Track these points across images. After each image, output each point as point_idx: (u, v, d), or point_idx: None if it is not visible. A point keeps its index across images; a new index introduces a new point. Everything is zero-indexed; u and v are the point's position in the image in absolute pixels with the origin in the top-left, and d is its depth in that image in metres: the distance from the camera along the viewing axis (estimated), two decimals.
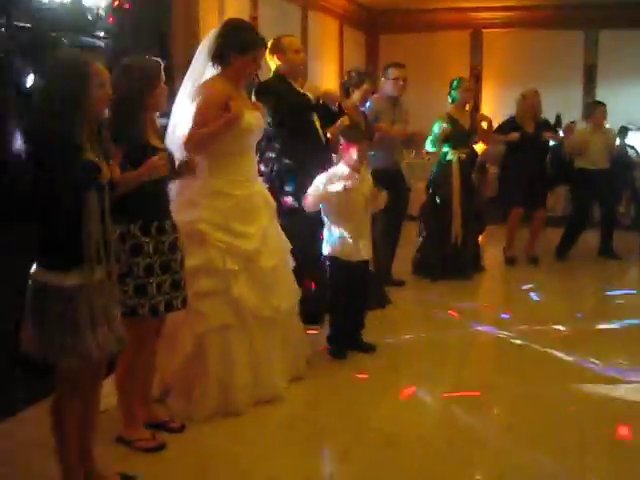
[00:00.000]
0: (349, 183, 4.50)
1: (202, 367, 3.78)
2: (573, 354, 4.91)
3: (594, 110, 8.30)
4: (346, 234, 4.66)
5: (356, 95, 5.84)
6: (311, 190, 4.57)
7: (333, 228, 4.69)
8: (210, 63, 3.93)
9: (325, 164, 4.98)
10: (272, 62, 5.16)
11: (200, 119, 3.78)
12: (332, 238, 4.70)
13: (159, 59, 3.43)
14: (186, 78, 4.00)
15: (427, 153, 8.26)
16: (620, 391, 4.29)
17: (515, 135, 7.42)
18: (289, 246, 4.22)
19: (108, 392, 3.49)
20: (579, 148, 7.99)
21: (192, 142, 3.77)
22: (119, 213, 3.02)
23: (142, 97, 3.28)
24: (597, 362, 4.75)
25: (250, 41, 3.93)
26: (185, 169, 3.53)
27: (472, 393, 4.26)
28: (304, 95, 5.09)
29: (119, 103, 3.08)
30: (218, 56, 3.90)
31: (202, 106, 3.80)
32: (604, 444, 3.64)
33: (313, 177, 4.64)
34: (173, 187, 3.79)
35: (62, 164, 2.65)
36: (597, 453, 3.55)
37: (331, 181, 4.55)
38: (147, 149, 3.27)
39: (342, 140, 4.71)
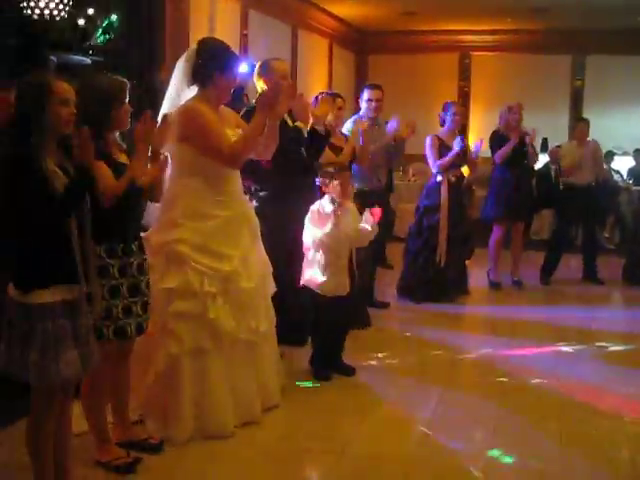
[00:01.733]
0: (335, 219, 4.52)
1: (176, 390, 3.74)
2: (555, 378, 4.93)
3: (576, 126, 8.50)
4: (327, 270, 4.63)
5: (330, 117, 5.83)
6: (309, 228, 4.60)
7: (314, 260, 4.67)
8: (188, 83, 3.91)
9: (308, 189, 5.00)
10: (259, 85, 5.14)
11: (216, 136, 3.77)
12: (311, 270, 4.68)
13: (124, 78, 3.40)
14: (165, 99, 3.98)
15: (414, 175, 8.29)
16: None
17: (514, 141, 7.43)
18: (270, 269, 4.19)
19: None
20: (573, 164, 8.05)
21: (238, 150, 3.79)
22: None
23: (102, 119, 3.25)
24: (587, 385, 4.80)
25: (231, 59, 3.93)
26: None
27: (454, 416, 4.25)
28: (296, 127, 5.05)
29: (83, 121, 3.07)
30: (200, 75, 3.88)
31: (204, 127, 3.78)
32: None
33: (300, 204, 4.65)
34: (158, 207, 3.79)
35: (30, 192, 2.69)
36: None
37: (321, 218, 4.57)
38: (114, 165, 3.25)
39: (324, 177, 4.72)
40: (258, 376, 4.04)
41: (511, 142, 7.44)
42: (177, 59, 4.03)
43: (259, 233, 4.14)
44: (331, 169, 4.74)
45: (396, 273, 7.17)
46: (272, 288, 4.21)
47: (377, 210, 4.79)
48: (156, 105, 3.99)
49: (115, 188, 3.16)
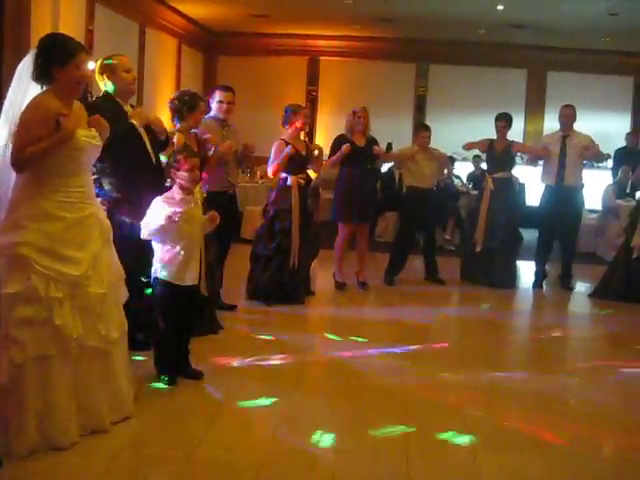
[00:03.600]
0: (180, 210, 4.47)
1: (19, 399, 3.59)
2: (399, 377, 5.10)
3: (417, 133, 8.93)
4: (176, 258, 4.60)
5: (191, 119, 5.80)
6: (146, 219, 4.51)
7: (164, 251, 4.63)
8: (34, 83, 3.78)
9: (158, 188, 4.92)
10: (102, 82, 5.06)
11: (26, 135, 3.62)
12: (163, 261, 4.64)
13: None
14: (6, 101, 3.82)
15: (261, 177, 8.32)
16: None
17: (347, 146, 7.56)
18: (122, 274, 4.08)
19: None
20: (402, 160, 8.46)
21: (21, 159, 3.62)
22: None
23: None
24: (425, 380, 4.98)
25: (68, 50, 3.78)
26: None
27: (302, 418, 4.33)
28: (130, 124, 4.99)
29: None
30: (41, 74, 3.76)
31: (27, 122, 3.65)
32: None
33: (143, 201, 4.57)
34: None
35: None
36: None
37: (164, 208, 4.50)
38: None
39: (173, 163, 4.67)
40: (109, 384, 3.92)
41: (343, 150, 7.55)
42: (18, 58, 3.88)
43: (111, 237, 4.03)
44: (180, 156, 4.69)
45: (242, 275, 7.18)
46: (124, 294, 4.11)
47: (216, 216, 4.79)
48: None
49: None
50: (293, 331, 6.22)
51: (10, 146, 3.70)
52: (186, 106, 5.78)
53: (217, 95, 6.58)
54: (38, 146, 3.62)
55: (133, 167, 4.92)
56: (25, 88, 3.79)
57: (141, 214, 4.57)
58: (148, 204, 4.57)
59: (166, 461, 3.68)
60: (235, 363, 5.26)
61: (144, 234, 4.57)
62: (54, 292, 3.64)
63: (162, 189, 4.89)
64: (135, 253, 4.65)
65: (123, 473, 3.59)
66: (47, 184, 3.71)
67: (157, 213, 4.51)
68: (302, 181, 7.07)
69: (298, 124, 7.06)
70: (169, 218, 4.45)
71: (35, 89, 3.78)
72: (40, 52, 3.79)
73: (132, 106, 5.23)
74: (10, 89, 3.83)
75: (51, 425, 3.66)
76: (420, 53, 13.52)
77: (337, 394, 4.80)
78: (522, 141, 12.16)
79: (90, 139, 3.85)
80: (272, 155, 7.02)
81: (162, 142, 5.28)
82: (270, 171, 7.04)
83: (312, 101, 13.64)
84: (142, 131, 5.07)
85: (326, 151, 7.79)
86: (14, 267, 3.60)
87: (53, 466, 3.53)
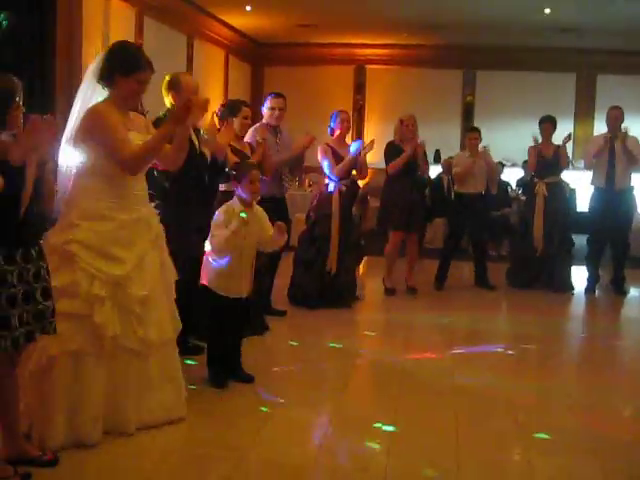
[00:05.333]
0: (242, 217, 4.50)
1: (49, 391, 3.63)
2: (451, 379, 5.06)
3: (467, 136, 8.84)
4: (228, 271, 4.62)
5: (235, 124, 5.87)
6: (215, 232, 4.56)
7: (215, 261, 4.66)
8: (99, 85, 3.88)
9: (204, 206, 5.06)
10: (167, 99, 5.11)
11: (117, 135, 3.74)
12: (213, 270, 4.67)
13: (16, 78, 3.33)
14: (74, 104, 3.94)
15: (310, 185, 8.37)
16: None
17: (408, 153, 7.58)
18: (173, 276, 4.11)
19: None
20: (464, 173, 8.33)
21: (138, 156, 3.77)
22: None
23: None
24: (478, 385, 4.93)
25: (135, 63, 3.86)
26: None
27: (352, 420, 4.31)
28: (200, 152, 5.06)
29: None
30: (104, 77, 3.86)
31: (107, 124, 3.75)
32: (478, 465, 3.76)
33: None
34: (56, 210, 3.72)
35: None
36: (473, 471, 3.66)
37: (227, 220, 4.54)
38: (3, 166, 3.12)
39: (236, 179, 4.72)
40: (142, 388, 3.90)
41: (404, 155, 7.61)
42: (69, 65, 3.98)
43: (163, 241, 4.06)
44: (242, 168, 4.74)
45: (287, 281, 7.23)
46: (172, 294, 4.12)
47: (283, 226, 4.80)
48: (47, 109, 3.92)
49: None
50: (341, 335, 6.20)
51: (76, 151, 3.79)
52: (228, 110, 5.87)
53: (268, 102, 6.65)
54: (148, 144, 3.80)
55: (185, 185, 4.98)
56: (92, 87, 3.89)
57: (186, 220, 4.61)
58: (192, 220, 4.63)
59: (217, 462, 3.70)
60: (284, 367, 5.28)
61: (213, 250, 4.59)
62: (96, 290, 3.69)
63: (209, 208, 4.97)
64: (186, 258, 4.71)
65: (174, 473, 3.62)
66: (101, 186, 3.79)
67: (221, 227, 4.56)
68: (344, 187, 7.10)
69: (338, 129, 7.12)
70: (234, 233, 4.50)
71: (100, 94, 3.88)
72: (109, 55, 3.89)
73: (196, 130, 5.19)
74: (79, 90, 3.93)
75: (80, 422, 3.68)
76: (466, 59, 13.46)
77: (387, 397, 4.78)
78: (572, 146, 11.98)
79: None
80: (322, 159, 7.07)
81: (220, 165, 5.35)
82: (334, 171, 7.06)
83: (359, 110, 13.66)
84: (205, 151, 5.16)
85: (376, 159, 7.80)
86: (63, 263, 3.67)
87: (103, 465, 3.58)
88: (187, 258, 4.70)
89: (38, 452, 3.51)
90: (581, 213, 9.36)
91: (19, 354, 3.38)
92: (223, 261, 4.60)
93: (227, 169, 5.41)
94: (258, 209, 4.83)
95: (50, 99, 6.53)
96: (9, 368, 3.36)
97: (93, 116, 3.78)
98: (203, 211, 5.01)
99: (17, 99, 3.26)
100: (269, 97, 6.73)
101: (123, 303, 3.78)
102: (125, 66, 3.83)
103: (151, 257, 3.95)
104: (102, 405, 3.74)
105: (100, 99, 3.88)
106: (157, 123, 4.43)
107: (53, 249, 3.58)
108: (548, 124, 8.40)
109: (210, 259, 4.66)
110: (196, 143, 5.04)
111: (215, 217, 4.64)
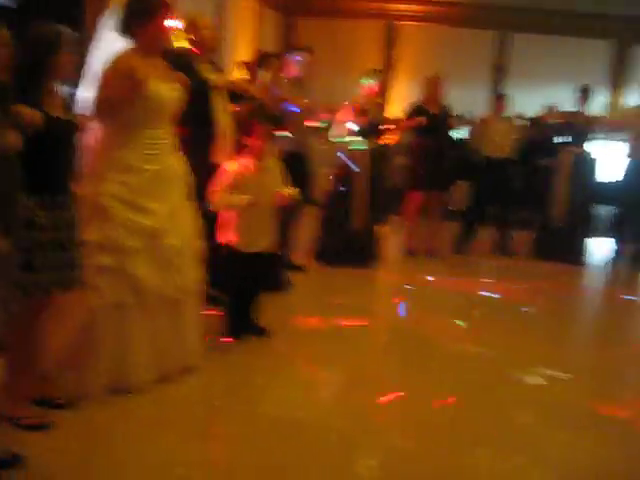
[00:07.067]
0: (252, 198, 4.49)
1: (94, 342, 3.72)
2: (470, 342, 5.10)
3: (495, 100, 8.78)
4: (244, 227, 4.63)
5: (267, 76, 5.82)
6: (216, 192, 4.54)
7: (231, 217, 4.65)
8: (120, 35, 3.86)
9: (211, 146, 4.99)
10: (186, 41, 5.13)
11: (104, 87, 3.71)
12: (229, 228, 4.66)
13: (65, 27, 3.34)
14: (95, 50, 3.93)
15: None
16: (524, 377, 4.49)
17: (422, 119, 7.58)
18: (200, 228, 4.15)
19: None
20: (479, 131, 8.32)
21: (98, 109, 3.71)
22: None
23: (41, 64, 3.19)
24: (491, 352, 4.97)
25: (151, 7, 3.83)
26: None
27: (369, 379, 4.36)
28: (204, 79, 4.99)
29: (18, 69, 2.99)
30: (123, 29, 3.84)
31: (105, 75, 3.74)
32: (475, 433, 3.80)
33: (205, 164, 4.63)
34: (83, 159, 3.73)
35: None
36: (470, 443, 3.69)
37: (236, 184, 4.52)
38: (45, 118, 3.17)
39: (244, 128, 4.69)
40: (180, 334, 4.04)
41: (417, 120, 7.59)
42: (99, 13, 3.96)
43: (190, 190, 4.09)
44: (252, 121, 4.68)
45: (312, 237, 7.26)
46: (201, 248, 4.17)
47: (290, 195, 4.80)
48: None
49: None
50: (360, 294, 6.25)
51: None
52: (257, 64, 5.85)
53: (295, 55, 6.62)
54: (113, 94, 3.70)
55: (194, 123, 4.93)
56: (112, 37, 3.88)
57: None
58: (203, 165, 4.60)
59: (231, 415, 3.77)
60: (301, 322, 5.32)
61: (214, 201, 4.56)
62: (131, 242, 3.74)
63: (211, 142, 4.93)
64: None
65: (193, 422, 3.69)
66: (128, 136, 3.79)
67: (228, 188, 4.54)
68: (371, 145, 7.07)
69: (369, 89, 7.07)
70: (240, 203, 4.48)
71: (122, 42, 3.86)
72: (123, 8, 3.86)
73: (212, 63, 5.24)
74: (98, 40, 3.92)
75: (125, 370, 3.79)
76: (501, 20, 13.21)
77: (404, 358, 4.82)
78: (605, 115, 11.81)
79: (171, 91, 3.92)
80: (343, 117, 7.02)
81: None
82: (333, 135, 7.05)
83: (389, 66, 13.50)
84: (218, 92, 5.11)
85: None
86: (95, 216, 3.70)
87: (121, 410, 3.66)
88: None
89: (55, 394, 3.61)
90: (600, 184, 9.26)
91: (49, 299, 3.42)
92: (242, 215, 4.60)
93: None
94: (274, 162, 4.81)
95: (80, 47, 6.46)
96: (37, 311, 3.40)
97: (107, 65, 3.77)
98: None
99: (63, 47, 3.25)
100: (297, 50, 6.72)
101: (159, 253, 3.84)
102: (140, 15, 3.81)
103: (183, 206, 4.01)
104: (147, 353, 3.85)
105: (122, 46, 3.85)
106: (166, 55, 4.34)
107: (84, 200, 3.59)
108: (582, 93, 8.30)
109: (228, 213, 4.65)
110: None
111: (224, 173, 4.59)
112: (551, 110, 8.68)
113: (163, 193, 3.87)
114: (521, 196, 9.18)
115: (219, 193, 4.53)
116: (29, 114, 2.97)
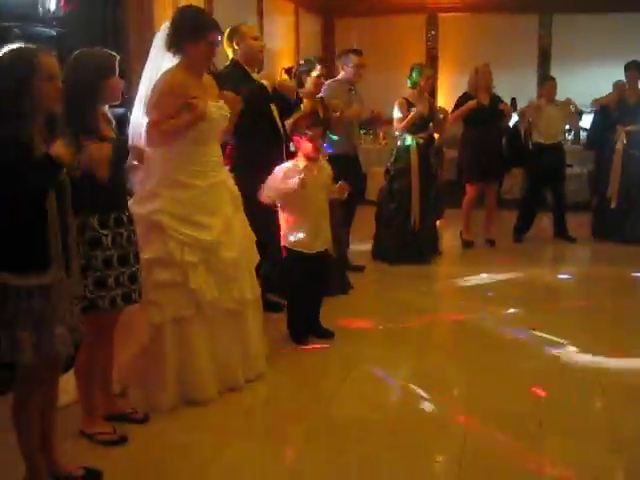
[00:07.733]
0: (302, 176, 4.48)
1: (159, 358, 3.78)
2: (530, 335, 5.01)
3: (544, 84, 8.61)
4: (303, 226, 4.66)
5: (308, 82, 5.84)
6: (268, 183, 4.56)
7: (289, 219, 4.69)
8: (168, 54, 3.89)
9: (282, 155, 5.00)
10: (229, 50, 5.16)
11: (158, 112, 3.75)
12: (289, 229, 4.70)
13: (113, 52, 3.39)
14: (145, 70, 3.96)
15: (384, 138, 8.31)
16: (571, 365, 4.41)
17: (472, 103, 7.54)
18: (253, 238, 4.19)
19: (68, 388, 3.51)
20: (531, 114, 8.19)
21: (158, 131, 3.75)
22: (77, 205, 2.97)
23: (94, 89, 3.24)
24: (561, 341, 4.87)
25: (200, 26, 3.87)
26: (135, 157, 3.52)
27: (434, 376, 4.34)
28: (261, 84, 5.04)
29: (70, 95, 3.03)
30: (173, 46, 3.87)
31: (160, 95, 3.77)
32: (562, 422, 3.72)
33: (270, 168, 4.62)
34: (134, 179, 3.79)
35: (13, 167, 2.62)
36: (555, 434, 3.62)
37: (287, 175, 4.54)
38: (100, 140, 3.23)
39: (296, 131, 4.70)
40: (242, 344, 4.07)
41: (467, 105, 7.54)
42: (141, 34, 3.99)
43: (241, 203, 4.14)
44: (305, 123, 4.70)
45: (367, 236, 7.23)
46: (255, 258, 4.23)
47: (345, 186, 4.81)
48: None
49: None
50: (420, 290, 6.20)
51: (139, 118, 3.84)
52: (302, 70, 5.87)
53: (352, 59, 6.58)
54: (172, 124, 3.76)
55: (259, 132, 4.97)
56: (161, 56, 3.91)
57: (262, 180, 4.61)
58: (268, 168, 4.61)
59: (301, 418, 3.78)
60: (365, 323, 5.30)
61: (264, 198, 4.58)
62: (189, 257, 3.79)
63: (282, 154, 4.96)
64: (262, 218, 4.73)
65: (261, 429, 3.72)
66: (179, 154, 3.84)
67: (280, 179, 4.55)
68: (421, 140, 7.01)
69: (422, 83, 7.01)
70: (292, 186, 4.48)
71: (170, 60, 3.89)
72: (173, 26, 3.89)
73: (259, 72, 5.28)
74: (149, 58, 3.96)
75: (190, 382, 3.84)
76: (542, 3, 13.03)
77: (468, 355, 4.76)
78: None
79: (219, 110, 3.96)
80: (397, 113, 6.98)
81: (292, 103, 5.31)
82: (398, 128, 7.00)
83: (432, 59, 13.40)
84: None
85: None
86: (152, 233, 3.76)
87: (191, 422, 3.70)
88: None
89: (129, 409, 3.69)
90: None
91: (118, 314, 3.50)
92: (301, 217, 4.63)
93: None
94: (325, 165, 4.83)
95: (123, 69, 6.49)
96: (108, 327, 3.49)
97: (157, 81, 3.81)
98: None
99: (113, 71, 3.32)
100: (352, 54, 6.62)
101: (216, 267, 3.88)
102: (191, 32, 3.83)
103: (236, 219, 4.05)
104: (209, 364, 3.88)
105: (169, 65, 3.89)
106: (218, 77, 4.39)
107: (137, 220, 3.63)
108: (633, 70, 8.10)
109: (287, 216, 4.68)
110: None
111: (274, 172, 4.61)
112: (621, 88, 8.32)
113: (215, 207, 3.92)
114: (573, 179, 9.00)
115: (272, 186, 4.56)
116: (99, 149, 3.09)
